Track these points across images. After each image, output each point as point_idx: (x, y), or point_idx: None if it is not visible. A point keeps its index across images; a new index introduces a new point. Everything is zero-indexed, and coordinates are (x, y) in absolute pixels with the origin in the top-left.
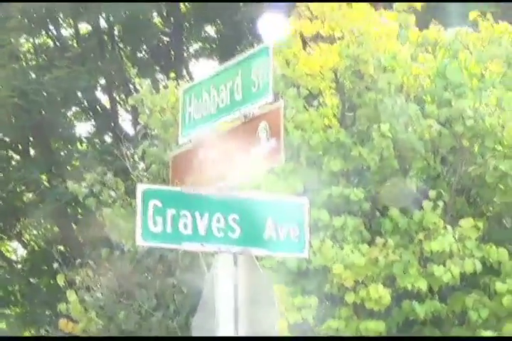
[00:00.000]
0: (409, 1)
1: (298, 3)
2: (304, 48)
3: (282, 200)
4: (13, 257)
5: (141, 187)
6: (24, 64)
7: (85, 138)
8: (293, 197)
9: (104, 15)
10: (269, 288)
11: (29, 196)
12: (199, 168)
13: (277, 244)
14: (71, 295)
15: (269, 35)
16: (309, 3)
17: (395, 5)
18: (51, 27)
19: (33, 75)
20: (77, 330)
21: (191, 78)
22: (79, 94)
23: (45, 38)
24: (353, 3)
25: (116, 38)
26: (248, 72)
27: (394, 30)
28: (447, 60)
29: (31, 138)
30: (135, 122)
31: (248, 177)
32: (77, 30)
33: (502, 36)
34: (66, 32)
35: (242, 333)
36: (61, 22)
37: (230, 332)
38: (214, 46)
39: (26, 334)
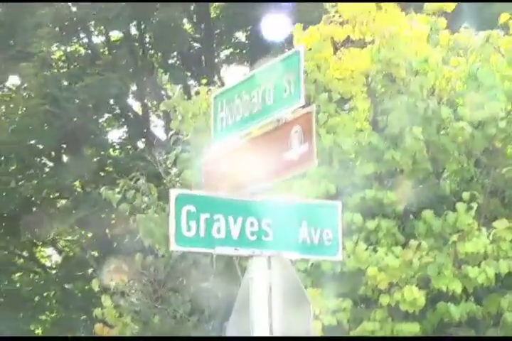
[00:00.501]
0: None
1: (328, 7)
2: (335, 53)
3: (315, 204)
4: (48, 263)
5: (174, 193)
6: (56, 71)
7: (118, 144)
8: (326, 200)
9: (135, 22)
10: (303, 290)
11: (63, 202)
12: (231, 173)
13: (311, 248)
14: (106, 300)
15: (299, 39)
16: (339, 8)
17: (426, 7)
18: (82, 35)
19: (65, 83)
20: (112, 335)
21: (223, 84)
22: (111, 100)
23: (76, 45)
24: (384, 7)
25: (147, 45)
26: (279, 76)
27: (425, 34)
28: (479, 63)
29: (64, 145)
30: (167, 128)
31: (281, 181)
32: (108, 38)
33: None
34: (97, 39)
35: (276, 336)
36: (92, 29)
37: (264, 334)
38: (245, 51)
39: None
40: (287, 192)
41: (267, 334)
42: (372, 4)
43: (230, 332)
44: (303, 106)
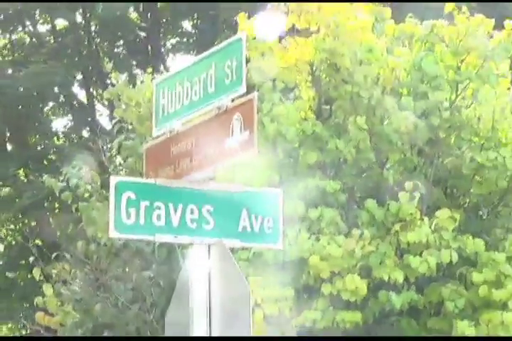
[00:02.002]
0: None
1: None
2: (280, 41)
3: (256, 192)
4: None
5: (114, 180)
6: (0, 59)
7: (62, 132)
8: (267, 188)
9: (80, 10)
10: (242, 278)
11: (6, 191)
12: (173, 160)
13: (251, 236)
14: (47, 289)
15: (245, 29)
16: None
17: None
18: (28, 23)
19: (10, 71)
20: (53, 323)
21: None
22: (56, 89)
23: (21, 33)
24: None
25: (93, 34)
26: (221, 64)
27: (369, 24)
28: (423, 53)
29: (8, 133)
30: (112, 117)
31: (222, 169)
32: (53, 26)
33: (478, 29)
34: (43, 28)
35: (215, 324)
36: (38, 18)
37: (203, 323)
38: (191, 40)
39: (4, 328)
40: (231, 181)
41: (204, 322)
42: None
43: (168, 321)
44: (245, 94)
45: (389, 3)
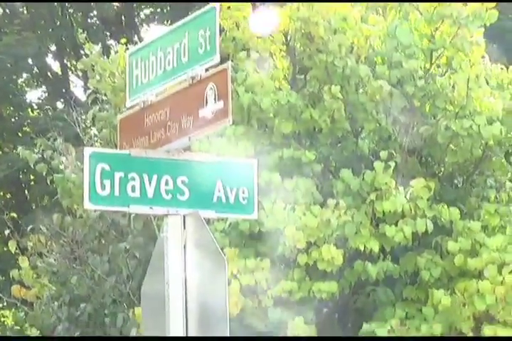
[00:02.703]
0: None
1: None
2: (254, 11)
3: (231, 162)
4: None
5: (87, 151)
6: None
7: (36, 104)
8: (242, 159)
9: None
10: (218, 249)
11: None
12: (147, 131)
13: (226, 206)
14: (23, 262)
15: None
16: None
17: None
18: None
19: None
20: (30, 296)
21: None
22: (29, 60)
23: None
24: None
25: (67, 4)
26: (195, 33)
27: None
28: (398, 21)
29: None
30: (86, 88)
31: (197, 139)
32: None
33: None
34: None
35: (191, 296)
36: None
37: (178, 294)
38: (165, 11)
39: None
40: (205, 152)
41: (180, 293)
42: None
43: (144, 293)
44: (219, 64)
45: None
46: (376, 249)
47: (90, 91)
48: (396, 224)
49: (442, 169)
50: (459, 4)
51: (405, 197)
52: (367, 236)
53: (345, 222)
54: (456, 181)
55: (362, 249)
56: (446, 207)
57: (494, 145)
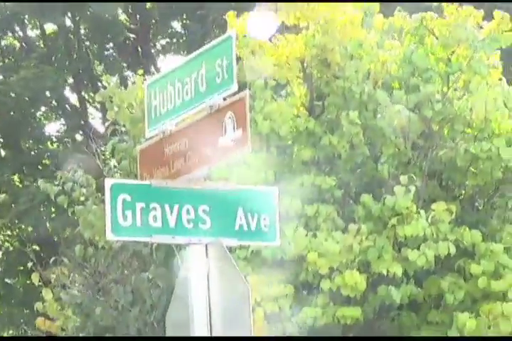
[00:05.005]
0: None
1: None
2: (270, 39)
3: (252, 190)
4: None
5: (109, 182)
6: None
7: (55, 137)
8: (262, 186)
9: (69, 14)
10: (241, 277)
11: (1, 196)
12: (167, 161)
13: (248, 234)
14: (47, 294)
15: (235, 27)
16: None
17: None
18: (17, 28)
19: (0, 76)
20: (54, 328)
21: None
22: (47, 93)
23: (11, 39)
24: None
25: (83, 37)
26: (212, 62)
27: (359, 18)
28: (413, 46)
29: (1, 139)
30: (105, 119)
31: (216, 167)
32: (43, 31)
33: (467, 20)
34: (32, 32)
35: (215, 324)
36: (27, 23)
37: (203, 323)
38: (181, 41)
39: (5, 334)
40: (225, 180)
41: (204, 322)
42: None
43: (169, 322)
44: (237, 92)
45: None
46: (399, 273)
47: (109, 122)
48: (418, 248)
49: (463, 192)
50: (475, 27)
51: (427, 220)
52: (389, 261)
53: (367, 247)
54: (477, 204)
55: (385, 273)
56: (467, 229)
57: None
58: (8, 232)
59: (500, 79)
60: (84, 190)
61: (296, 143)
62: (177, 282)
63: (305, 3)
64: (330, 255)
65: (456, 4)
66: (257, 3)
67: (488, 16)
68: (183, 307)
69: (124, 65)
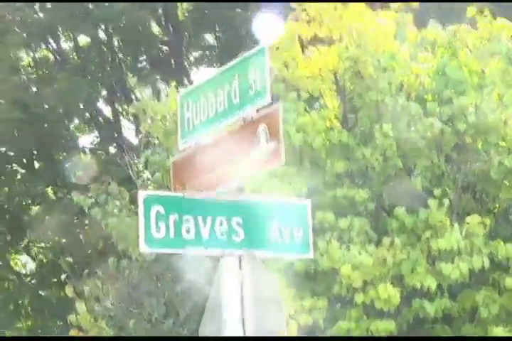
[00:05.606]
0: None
1: (295, 6)
2: (303, 51)
3: (285, 202)
4: (22, 271)
5: (142, 194)
6: (25, 77)
7: (89, 149)
8: (295, 199)
9: (102, 26)
10: (275, 289)
11: (35, 209)
12: (200, 173)
13: (281, 246)
14: (80, 306)
15: (267, 37)
16: (306, 6)
17: (392, 4)
18: (51, 40)
19: (34, 88)
20: None
21: None
22: (81, 105)
23: (45, 51)
24: (350, 4)
25: (116, 49)
26: (245, 74)
27: (392, 30)
28: (447, 58)
29: (35, 152)
30: (138, 131)
31: (249, 180)
32: (76, 43)
33: (501, 32)
34: (66, 45)
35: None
36: (60, 35)
37: (237, 335)
38: (214, 53)
39: None
40: (259, 192)
41: (238, 335)
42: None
43: (202, 334)
44: (270, 105)
45: (411, 9)
46: (433, 286)
47: (142, 134)
48: (452, 262)
49: (497, 205)
50: (508, 39)
51: (460, 234)
52: (423, 274)
53: (401, 260)
54: (511, 217)
55: (419, 286)
56: (502, 243)
57: None
58: (42, 244)
59: None
60: (117, 202)
61: (329, 155)
62: (210, 294)
63: (337, 15)
64: (363, 268)
65: (489, 17)
66: (290, 15)
67: None
68: (217, 320)
69: (157, 77)
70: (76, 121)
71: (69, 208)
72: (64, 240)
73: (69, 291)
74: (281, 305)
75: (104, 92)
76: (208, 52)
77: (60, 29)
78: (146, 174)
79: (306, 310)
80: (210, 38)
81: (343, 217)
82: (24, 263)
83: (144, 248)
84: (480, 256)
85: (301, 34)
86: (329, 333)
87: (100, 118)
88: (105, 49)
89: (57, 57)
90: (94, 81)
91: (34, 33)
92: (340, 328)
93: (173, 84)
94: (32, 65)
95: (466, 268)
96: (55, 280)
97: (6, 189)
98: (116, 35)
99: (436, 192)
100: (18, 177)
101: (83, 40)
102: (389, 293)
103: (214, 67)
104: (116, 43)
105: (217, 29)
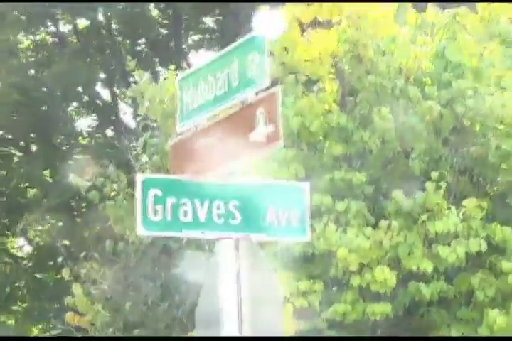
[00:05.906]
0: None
1: None
2: (302, 34)
3: (282, 185)
4: (19, 253)
5: (140, 177)
6: (23, 60)
7: (87, 132)
8: (293, 182)
9: (101, 9)
10: (272, 272)
11: (32, 192)
12: (198, 156)
13: (278, 229)
14: (76, 289)
15: (266, 22)
16: None
17: None
18: (49, 23)
19: (33, 71)
20: (83, 323)
21: None
22: (79, 88)
23: (43, 34)
24: None
25: (115, 32)
26: (244, 58)
27: (391, 13)
28: (446, 41)
29: (32, 135)
30: (136, 115)
31: (247, 163)
32: (75, 26)
33: (500, 15)
34: (64, 28)
35: (245, 319)
36: (59, 18)
37: (232, 318)
38: (213, 37)
39: (35, 329)
40: (256, 175)
41: (234, 318)
42: None
43: (198, 317)
44: (268, 88)
45: None
46: (429, 269)
47: (140, 118)
48: (449, 245)
49: (494, 188)
50: (508, 22)
51: (458, 217)
52: (420, 257)
53: (397, 243)
54: (508, 200)
55: (415, 269)
56: (499, 226)
57: None
58: (39, 227)
59: None
60: (115, 186)
61: (327, 138)
62: (206, 277)
63: None
64: (360, 251)
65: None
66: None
67: None
68: (213, 303)
69: (156, 60)
70: (74, 104)
71: (66, 191)
72: (61, 223)
73: (65, 274)
74: (278, 288)
75: (102, 75)
76: (207, 36)
77: (59, 12)
78: (144, 157)
79: (302, 292)
80: (209, 21)
81: (340, 199)
82: (20, 246)
83: (141, 231)
84: (477, 239)
85: (300, 17)
86: (324, 316)
87: (98, 102)
88: (104, 32)
89: (56, 40)
90: (93, 64)
91: (33, 16)
92: (336, 311)
93: (172, 67)
94: (31, 47)
95: (463, 251)
96: (52, 263)
97: (4, 172)
98: (114, 18)
99: (434, 175)
100: (16, 160)
101: (82, 23)
102: (385, 276)
103: (213, 50)
104: (114, 26)
105: (216, 12)
